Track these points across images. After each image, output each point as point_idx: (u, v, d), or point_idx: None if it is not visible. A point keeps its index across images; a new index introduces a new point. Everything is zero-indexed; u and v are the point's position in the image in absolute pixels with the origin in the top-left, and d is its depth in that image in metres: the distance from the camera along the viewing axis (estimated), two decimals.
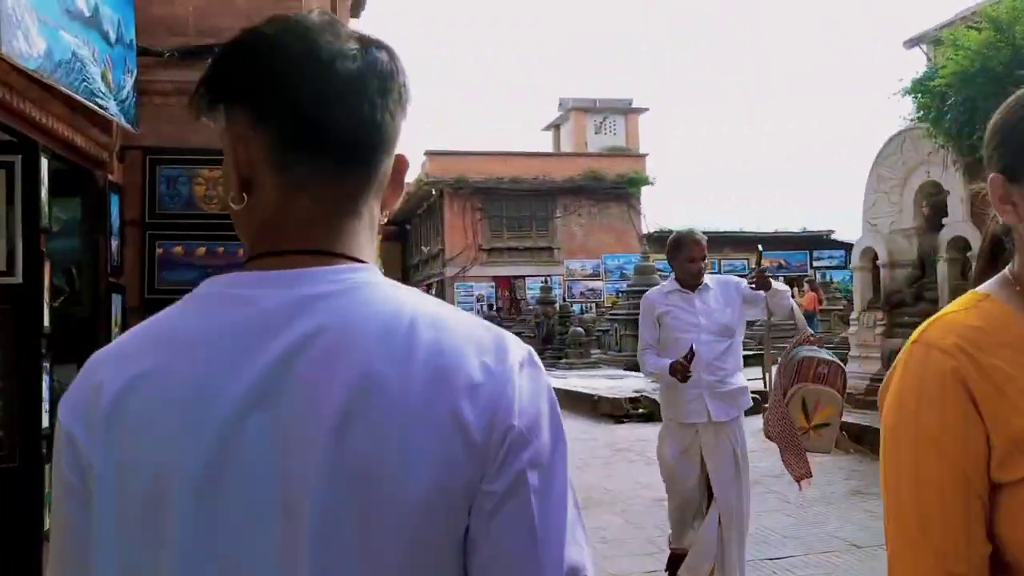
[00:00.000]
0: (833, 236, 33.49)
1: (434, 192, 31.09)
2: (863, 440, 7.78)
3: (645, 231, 31.50)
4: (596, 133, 33.38)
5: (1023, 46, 6.87)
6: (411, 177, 36.43)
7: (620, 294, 22.97)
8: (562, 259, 31.25)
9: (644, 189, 31.91)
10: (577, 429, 10.64)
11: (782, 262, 32.25)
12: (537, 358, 0.85)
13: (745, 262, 32.43)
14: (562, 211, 31.43)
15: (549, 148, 35.59)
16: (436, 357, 0.77)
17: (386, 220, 0.94)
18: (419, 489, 0.74)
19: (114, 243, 5.03)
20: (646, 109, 34.37)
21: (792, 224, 34.82)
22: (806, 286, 17.33)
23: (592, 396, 11.57)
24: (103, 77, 4.46)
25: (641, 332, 4.10)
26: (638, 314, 17.71)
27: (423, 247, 35.09)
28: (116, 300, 5.06)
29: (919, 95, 8.30)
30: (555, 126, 35.90)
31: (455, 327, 0.81)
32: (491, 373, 0.78)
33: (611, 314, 19.39)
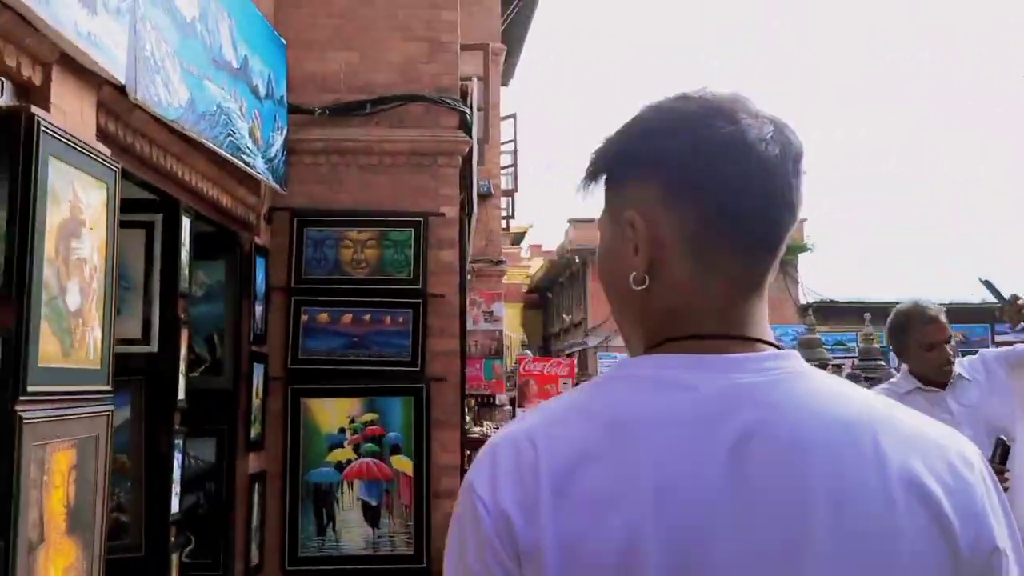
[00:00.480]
0: None
1: (577, 260, 30.66)
2: None
3: (804, 301, 29.74)
4: None
5: None
6: (554, 244, 36.19)
7: None
8: None
9: (802, 256, 30.24)
10: None
11: (961, 336, 29.49)
12: (988, 465, 0.79)
13: None
14: None
15: None
16: (906, 459, 0.73)
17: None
18: None
19: (259, 309, 4.72)
20: (803, 172, 32.81)
21: (969, 294, 31.94)
22: None
23: None
24: (251, 133, 4.18)
25: None
26: None
27: (565, 315, 34.62)
28: (258, 370, 4.72)
29: None
30: None
31: (912, 426, 0.77)
32: (963, 480, 0.75)
33: None
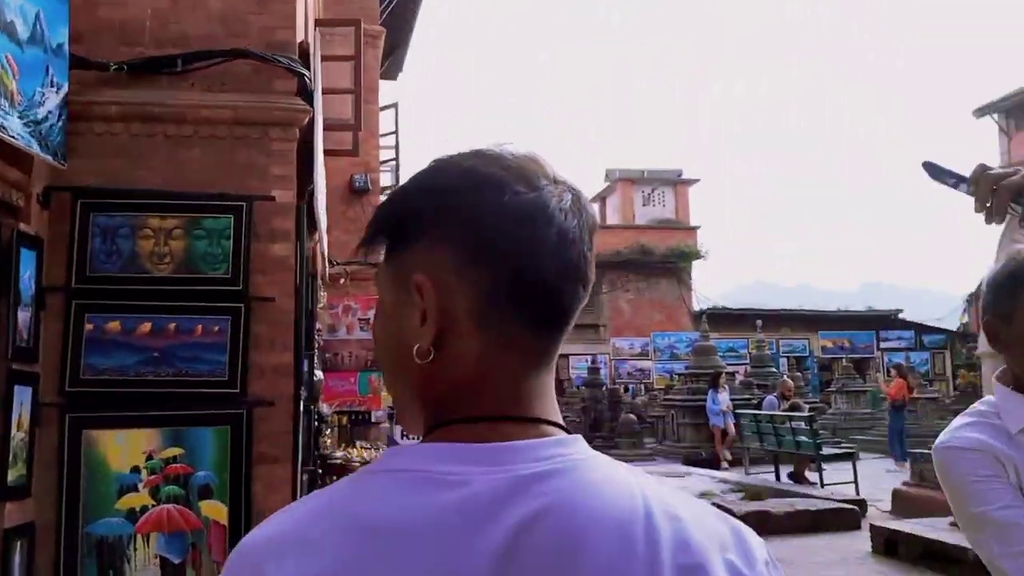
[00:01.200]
0: (901, 316, 31.37)
1: None
2: None
3: (697, 308, 29.86)
4: (644, 205, 32.03)
5: None
6: None
7: (676, 376, 21.25)
8: (608, 337, 29.66)
9: (695, 263, 30.38)
10: None
11: (847, 343, 30.17)
12: (772, 555, 0.76)
13: (806, 342, 30.46)
14: (608, 286, 29.94)
15: None
16: (681, 554, 0.70)
17: None
18: None
19: (23, 315, 3.66)
20: (696, 180, 32.99)
21: (854, 302, 32.88)
22: (893, 372, 14.89)
23: None
24: None
25: (984, 513, 1.63)
26: (697, 400, 15.69)
27: None
28: (22, 394, 3.66)
29: None
30: (601, 198, 34.67)
31: (691, 517, 0.73)
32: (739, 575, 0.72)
33: (666, 399, 17.61)
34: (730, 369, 18.60)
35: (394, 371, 0.80)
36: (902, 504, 9.56)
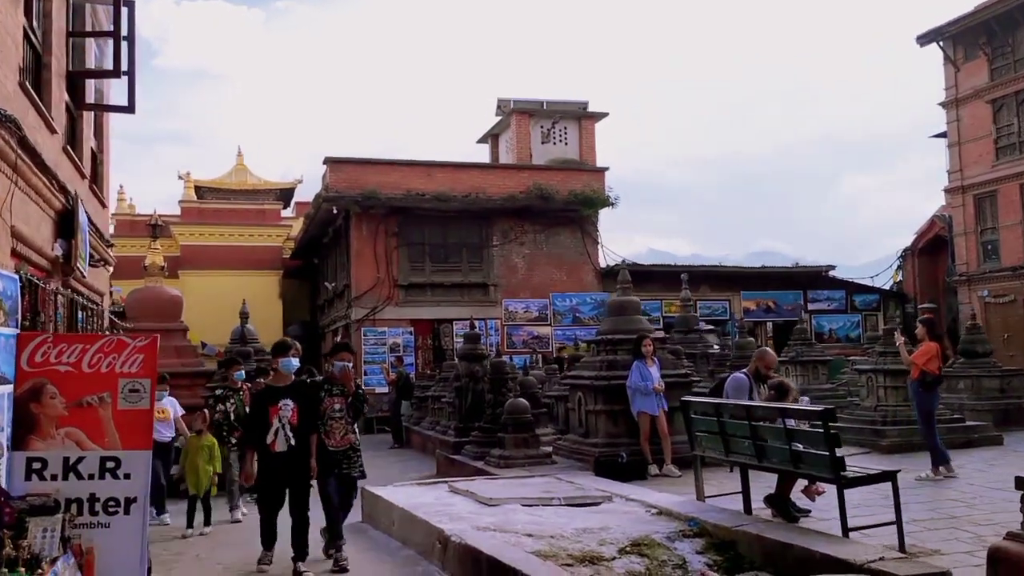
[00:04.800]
0: (832, 274, 27.65)
1: (336, 210, 24.44)
2: None
3: (604, 264, 25.33)
4: (543, 142, 27.16)
5: None
6: (310, 194, 29.62)
7: (582, 344, 16.49)
8: (500, 298, 24.83)
9: (603, 212, 25.74)
10: None
11: (771, 304, 26.29)
12: None
13: (726, 304, 26.45)
14: (500, 238, 25.05)
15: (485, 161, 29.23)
16: None
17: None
18: None
19: None
20: (605, 114, 28.28)
21: (777, 257, 29.08)
22: (921, 330, 9.44)
23: None
24: None
25: None
26: (616, 377, 9.81)
27: (328, 284, 28.28)
28: None
29: None
30: (493, 135, 29.57)
31: None
32: None
33: (570, 376, 12.76)
34: (659, 334, 13.88)
35: None
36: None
